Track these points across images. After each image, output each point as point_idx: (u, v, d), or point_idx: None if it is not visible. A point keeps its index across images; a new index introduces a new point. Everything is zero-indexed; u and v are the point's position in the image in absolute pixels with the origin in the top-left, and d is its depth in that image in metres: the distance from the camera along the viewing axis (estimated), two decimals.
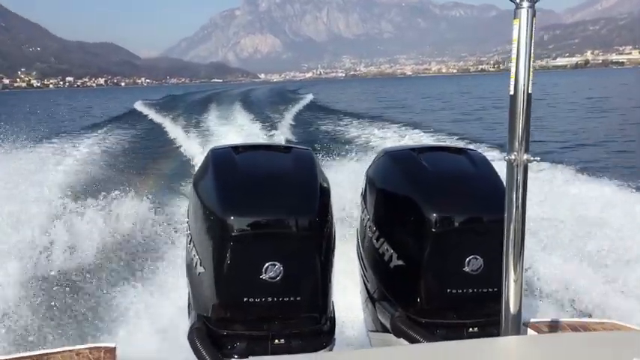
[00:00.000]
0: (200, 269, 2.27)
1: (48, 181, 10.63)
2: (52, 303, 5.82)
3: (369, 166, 2.91)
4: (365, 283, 2.83)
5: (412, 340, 2.36)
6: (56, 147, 17.99)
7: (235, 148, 2.48)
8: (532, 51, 1.84)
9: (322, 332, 2.33)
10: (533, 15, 1.83)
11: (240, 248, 2.16)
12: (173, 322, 4.61)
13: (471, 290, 2.40)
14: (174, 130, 23.35)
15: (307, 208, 2.22)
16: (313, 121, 28.28)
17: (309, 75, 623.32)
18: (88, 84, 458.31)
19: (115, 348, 2.37)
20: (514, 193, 1.92)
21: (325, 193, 2.34)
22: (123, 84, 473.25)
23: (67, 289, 6.15)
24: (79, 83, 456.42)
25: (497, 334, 2.07)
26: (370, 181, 2.81)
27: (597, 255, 6.34)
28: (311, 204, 2.24)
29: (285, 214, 2.20)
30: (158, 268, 6.54)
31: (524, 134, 1.88)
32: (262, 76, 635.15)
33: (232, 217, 2.14)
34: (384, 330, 2.56)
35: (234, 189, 2.26)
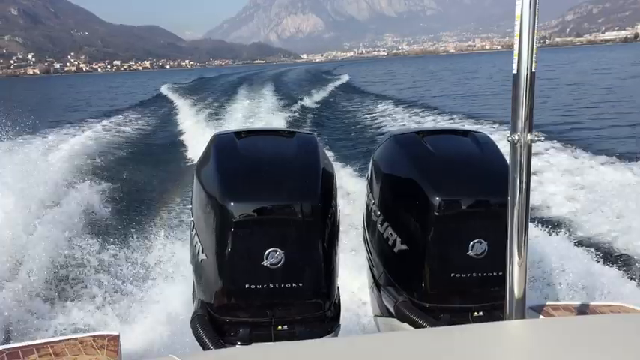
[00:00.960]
0: (202, 256, 2.28)
1: (50, 164, 10.83)
2: (55, 291, 5.95)
3: (375, 151, 2.90)
4: (371, 269, 2.83)
5: (416, 325, 2.35)
6: (62, 133, 18.34)
7: (238, 134, 2.48)
8: (536, 29, 1.82)
9: (326, 318, 2.32)
10: None
11: (241, 234, 2.15)
12: (177, 310, 4.78)
13: (475, 274, 2.38)
14: (192, 115, 22.60)
15: (309, 193, 2.21)
16: (344, 104, 27.20)
17: (350, 54, 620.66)
18: (134, 67, 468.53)
19: (118, 336, 2.40)
20: (517, 174, 1.91)
21: (328, 179, 2.32)
22: (168, 66, 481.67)
23: (70, 277, 6.28)
24: (125, 66, 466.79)
25: (502, 318, 2.08)
26: (376, 166, 2.80)
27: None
28: (313, 189, 2.22)
29: (286, 199, 2.19)
30: (162, 255, 6.67)
31: (528, 114, 1.86)
32: (304, 56, 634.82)
33: (232, 204, 2.14)
34: (390, 315, 2.56)
35: (235, 175, 2.25)
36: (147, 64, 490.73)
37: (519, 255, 1.94)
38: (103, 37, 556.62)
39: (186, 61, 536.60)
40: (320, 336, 2.26)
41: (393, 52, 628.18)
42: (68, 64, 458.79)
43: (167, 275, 6.03)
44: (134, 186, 10.68)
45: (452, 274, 2.39)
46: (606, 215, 7.32)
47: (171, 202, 9.27)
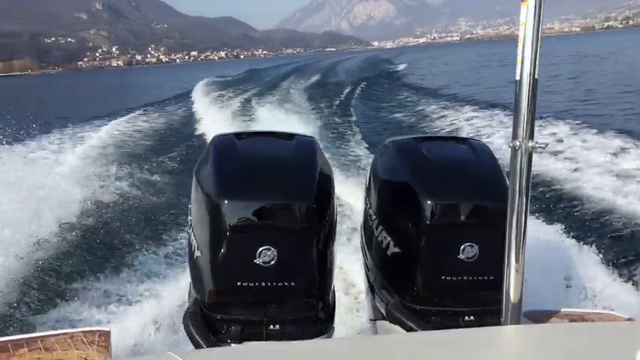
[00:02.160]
0: (197, 253, 2.30)
1: (54, 166, 11.00)
2: (46, 285, 5.90)
3: (374, 157, 2.94)
4: (366, 273, 2.86)
5: (407, 327, 2.37)
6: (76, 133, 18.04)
7: (238, 135, 2.50)
8: (540, 36, 1.80)
9: (318, 319, 2.32)
10: None
11: (234, 232, 2.16)
12: (169, 307, 4.86)
13: (466, 278, 2.39)
14: (213, 113, 20.92)
15: (304, 193, 2.21)
16: (388, 100, 24.58)
17: (422, 40, 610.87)
18: (210, 57, 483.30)
19: (109, 332, 2.37)
20: (517, 180, 1.89)
21: (326, 181, 2.33)
22: (242, 56, 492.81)
23: (61, 271, 6.22)
24: (202, 57, 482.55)
25: (494, 323, 2.06)
26: (374, 171, 2.82)
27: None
28: (308, 190, 2.22)
29: (282, 199, 2.20)
30: (158, 253, 6.66)
31: (530, 120, 1.84)
32: (375, 43, 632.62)
33: (227, 202, 2.16)
34: (383, 318, 2.57)
35: (231, 173, 2.28)
36: (222, 54, 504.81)
37: (517, 261, 1.94)
38: (181, 29, 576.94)
39: (259, 50, 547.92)
40: (312, 337, 2.27)
41: (467, 37, 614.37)
42: (149, 55, 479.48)
43: (161, 272, 6.11)
44: (132, 188, 10.45)
45: (443, 277, 2.40)
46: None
47: (171, 202, 9.10)
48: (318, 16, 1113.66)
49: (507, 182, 2.11)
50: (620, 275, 5.62)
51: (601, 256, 5.82)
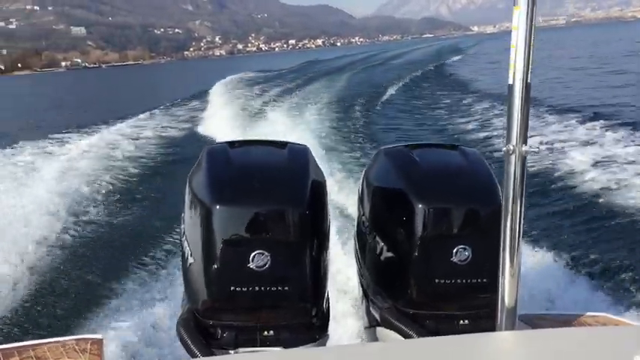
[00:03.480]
0: (190, 260, 2.29)
1: (47, 174, 10.82)
2: (39, 294, 5.81)
3: (367, 166, 2.95)
4: (360, 280, 2.87)
5: (402, 332, 2.37)
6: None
7: (231, 144, 2.53)
8: (532, 40, 1.81)
9: (313, 325, 2.32)
10: (534, 2, 1.79)
11: (227, 238, 2.17)
12: (163, 315, 4.82)
13: (459, 281, 2.40)
14: (224, 118, 18.73)
15: (296, 199, 2.23)
16: (434, 105, 21.45)
17: None
18: (308, 45, 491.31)
19: (101, 340, 2.35)
20: (511, 185, 1.89)
21: (318, 188, 2.34)
22: (339, 44, 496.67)
23: (53, 279, 6.14)
24: (300, 45, 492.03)
25: (489, 327, 2.06)
26: (367, 180, 2.85)
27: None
28: (301, 195, 2.24)
29: (274, 203, 2.21)
30: (151, 262, 6.59)
31: (523, 125, 1.85)
32: (475, 28, 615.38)
33: (218, 207, 2.17)
34: (377, 324, 2.59)
35: (223, 180, 2.29)
36: (319, 42, 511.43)
37: (512, 266, 1.94)
38: (279, 18, 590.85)
39: (356, 38, 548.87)
40: (306, 343, 2.26)
41: (573, 19, 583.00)
42: (249, 45, 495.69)
43: (154, 280, 6.07)
44: (127, 190, 10.52)
45: (436, 281, 2.41)
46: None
47: (165, 211, 8.96)
48: (417, 2, 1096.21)
49: (499, 186, 2.10)
50: (613, 278, 5.67)
51: (591, 257, 5.99)
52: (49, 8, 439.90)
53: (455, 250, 2.35)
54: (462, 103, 20.78)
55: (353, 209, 4.59)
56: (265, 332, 2.25)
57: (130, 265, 6.58)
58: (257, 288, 2.19)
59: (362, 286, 2.84)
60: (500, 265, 1.96)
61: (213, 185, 2.26)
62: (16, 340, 2.85)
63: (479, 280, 2.37)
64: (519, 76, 1.82)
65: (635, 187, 8.33)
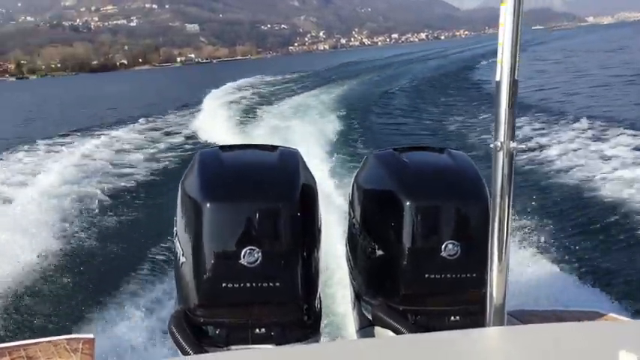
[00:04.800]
0: (182, 259, 2.32)
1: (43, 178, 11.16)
2: (30, 294, 5.92)
3: (356, 171, 2.99)
4: (352, 283, 2.91)
5: (393, 329, 2.40)
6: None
7: (223, 148, 2.61)
8: (519, 37, 1.81)
9: (305, 324, 2.35)
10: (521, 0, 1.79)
11: (218, 234, 2.21)
12: (154, 314, 4.90)
13: (449, 275, 2.44)
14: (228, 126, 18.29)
15: (286, 196, 2.27)
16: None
17: None
18: (411, 39, 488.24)
19: (93, 339, 2.34)
20: (499, 181, 1.91)
21: (308, 188, 2.39)
22: (442, 37, 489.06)
23: (45, 279, 6.22)
24: (402, 39, 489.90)
25: (479, 321, 2.09)
26: (357, 184, 2.90)
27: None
28: (291, 193, 2.28)
29: (264, 200, 2.25)
30: (144, 262, 6.71)
31: (511, 122, 1.87)
32: (590, 18, 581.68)
33: (209, 204, 2.20)
34: (369, 324, 2.61)
35: (214, 179, 2.34)
36: (422, 36, 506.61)
37: (500, 261, 1.95)
38: (384, 12, 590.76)
39: (461, 31, 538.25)
40: (298, 341, 2.29)
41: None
42: (352, 39, 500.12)
43: (147, 280, 6.16)
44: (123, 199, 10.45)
45: (426, 275, 2.46)
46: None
47: (158, 215, 8.94)
48: None
49: (485, 183, 2.24)
50: (603, 274, 5.77)
51: (582, 254, 6.08)
52: (166, 6, 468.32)
53: (444, 246, 2.37)
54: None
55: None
56: (257, 330, 2.26)
57: (122, 266, 6.68)
58: (248, 284, 2.21)
59: (354, 288, 2.84)
60: (489, 261, 1.98)
61: (204, 184, 2.29)
62: (7, 340, 2.86)
63: (468, 275, 2.40)
64: (506, 73, 1.83)
65: (620, 183, 8.64)
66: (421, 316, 2.48)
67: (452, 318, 2.47)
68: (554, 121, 15.72)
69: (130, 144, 17.93)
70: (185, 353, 2.15)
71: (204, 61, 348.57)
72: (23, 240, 6.85)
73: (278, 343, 2.22)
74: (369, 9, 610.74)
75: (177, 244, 2.38)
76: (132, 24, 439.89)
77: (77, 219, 8.51)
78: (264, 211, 2.21)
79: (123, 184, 11.61)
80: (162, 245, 7.16)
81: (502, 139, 1.86)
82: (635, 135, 12.11)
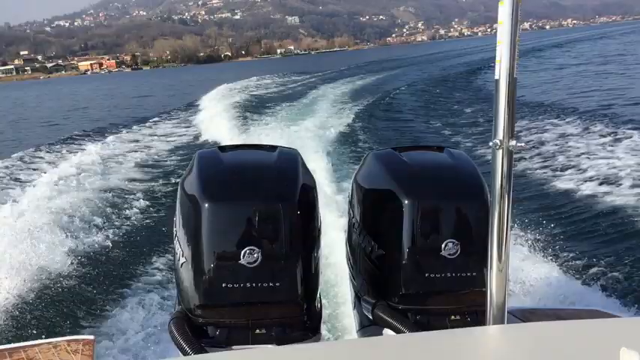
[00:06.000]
0: (182, 260, 2.30)
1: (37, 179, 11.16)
2: (29, 295, 5.76)
3: (356, 171, 2.94)
4: (352, 283, 2.88)
5: (393, 328, 2.38)
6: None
7: (222, 148, 2.58)
8: (517, 35, 1.82)
9: (305, 324, 2.33)
10: None
11: (217, 234, 2.19)
12: (155, 316, 4.84)
13: (449, 274, 2.42)
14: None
15: (286, 195, 2.25)
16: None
17: None
18: None
19: (93, 340, 2.34)
20: (499, 180, 1.91)
21: (308, 187, 2.38)
22: (547, 27, 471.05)
23: (46, 281, 6.11)
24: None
25: (480, 320, 2.09)
26: (356, 184, 2.86)
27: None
28: (290, 192, 2.27)
29: (264, 200, 2.24)
30: (144, 264, 6.67)
31: (510, 120, 1.86)
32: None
33: (208, 204, 2.19)
34: (370, 323, 2.59)
35: (213, 178, 2.32)
36: (526, 25, 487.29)
37: (500, 260, 1.95)
38: (485, 1, 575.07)
39: (568, 20, 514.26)
40: (298, 341, 2.27)
41: None
42: (452, 29, 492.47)
43: (146, 281, 6.14)
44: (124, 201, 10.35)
45: (426, 275, 2.43)
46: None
47: (159, 217, 8.98)
48: None
49: (484, 182, 2.21)
50: (603, 273, 5.71)
51: (583, 252, 6.01)
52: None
53: (444, 245, 2.38)
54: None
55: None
56: (257, 330, 2.27)
57: (122, 267, 6.66)
58: (248, 284, 2.20)
59: (354, 288, 2.86)
60: (489, 260, 1.97)
61: (203, 184, 2.29)
62: (7, 342, 2.87)
63: (468, 274, 2.40)
64: (505, 71, 1.83)
65: (620, 182, 8.67)
66: (421, 315, 2.48)
67: (452, 317, 2.46)
68: (554, 118, 15.96)
69: (131, 143, 18.25)
70: (185, 354, 2.14)
71: (303, 52, 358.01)
72: (23, 242, 6.95)
73: (278, 343, 2.21)
74: None
75: (177, 244, 2.36)
76: (236, 17, 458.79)
77: (77, 220, 8.58)
78: (263, 211, 2.20)
79: (122, 184, 11.67)
80: (162, 246, 7.31)
81: (501, 137, 1.87)
82: (636, 134, 12.32)
